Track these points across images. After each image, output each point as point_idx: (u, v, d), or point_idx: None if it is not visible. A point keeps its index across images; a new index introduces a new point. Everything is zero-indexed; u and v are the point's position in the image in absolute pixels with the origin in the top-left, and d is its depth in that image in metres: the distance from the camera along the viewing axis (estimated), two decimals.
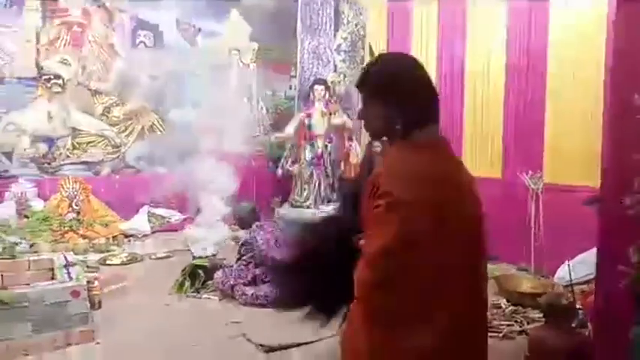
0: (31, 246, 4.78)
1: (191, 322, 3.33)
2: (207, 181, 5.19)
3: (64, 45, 6.25)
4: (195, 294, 3.84)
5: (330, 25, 6.69)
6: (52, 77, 6.08)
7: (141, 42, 6.72)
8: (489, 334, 3.06)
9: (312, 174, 5.99)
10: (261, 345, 2.93)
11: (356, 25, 6.70)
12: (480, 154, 5.09)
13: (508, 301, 3.48)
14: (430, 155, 1.30)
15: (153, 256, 4.96)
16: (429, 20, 5.64)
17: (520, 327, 3.08)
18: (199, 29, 7.01)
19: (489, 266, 4.42)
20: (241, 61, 7.23)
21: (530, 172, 4.30)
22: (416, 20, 5.82)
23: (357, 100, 6.77)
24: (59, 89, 6.13)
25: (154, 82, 6.74)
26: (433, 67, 5.59)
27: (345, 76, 6.72)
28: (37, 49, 6.14)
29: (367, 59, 6.62)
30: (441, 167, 1.30)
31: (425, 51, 5.68)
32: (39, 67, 6.08)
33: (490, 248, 4.57)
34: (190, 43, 7.01)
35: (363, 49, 6.67)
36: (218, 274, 3.87)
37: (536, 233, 4.18)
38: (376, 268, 1.23)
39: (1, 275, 3.35)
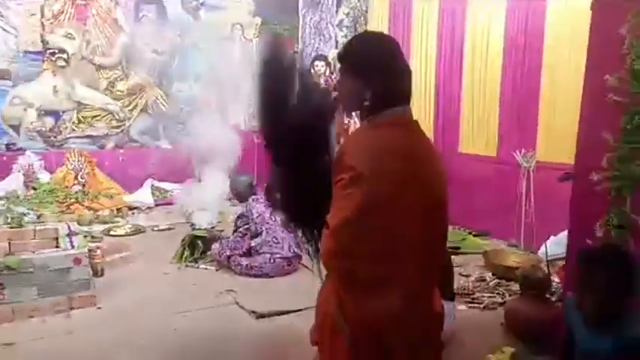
0: (39, 217, 4.99)
1: (188, 290, 3.50)
2: (208, 154, 5.27)
3: (68, 19, 6.30)
4: (193, 264, 4.00)
5: (332, 1, 6.65)
6: (56, 51, 6.16)
7: (144, 16, 6.74)
8: (472, 304, 3.21)
9: None
10: (252, 312, 3.08)
11: (358, 1, 6.65)
12: (477, 132, 5.14)
13: (494, 274, 3.59)
14: (395, 132, 1.35)
15: (155, 228, 5.12)
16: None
17: (502, 299, 3.20)
18: (202, 3, 7.01)
19: (481, 241, 4.52)
20: (244, 36, 7.23)
21: (523, 150, 4.34)
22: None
23: None
24: (64, 63, 6.21)
25: (157, 57, 6.80)
26: (433, 46, 5.59)
27: None
28: (42, 23, 6.21)
29: None
30: (405, 143, 1.35)
31: (425, 30, 5.67)
32: (44, 42, 6.16)
33: (482, 224, 4.68)
34: (193, 17, 7.01)
35: (365, 24, 6.64)
36: (215, 246, 4.02)
37: (527, 210, 4.25)
38: (338, 238, 1.31)
39: (9, 243, 3.55)
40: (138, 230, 5.00)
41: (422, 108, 5.78)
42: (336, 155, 1.40)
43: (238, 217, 4.01)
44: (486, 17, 4.94)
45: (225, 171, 4.86)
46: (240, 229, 3.92)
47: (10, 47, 6.10)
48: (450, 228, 4.88)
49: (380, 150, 1.31)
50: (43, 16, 6.19)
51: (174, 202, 6.02)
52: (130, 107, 6.68)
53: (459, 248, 4.40)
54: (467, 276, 3.69)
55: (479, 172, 4.97)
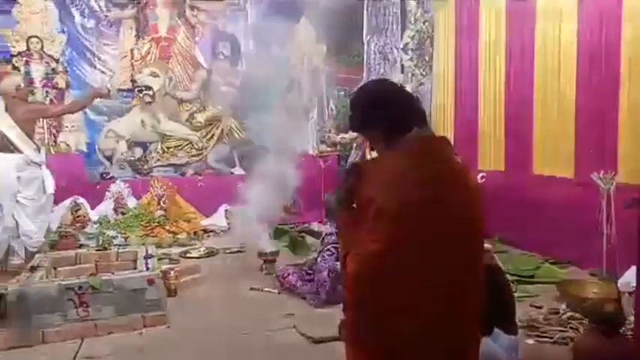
0: (126, 239, 5.47)
1: (251, 312, 3.63)
2: (276, 180, 5.45)
3: (154, 59, 6.96)
4: (258, 287, 4.15)
5: (397, 25, 6.70)
6: (143, 89, 6.81)
7: (220, 52, 7.26)
8: (541, 339, 3.00)
9: None
10: (309, 337, 3.13)
11: (424, 23, 6.64)
12: (552, 152, 4.85)
13: (568, 306, 3.33)
14: (411, 160, 1.39)
15: (227, 251, 5.38)
16: (498, 15, 5.46)
17: (575, 333, 2.95)
18: (272, 36, 7.38)
19: (558, 270, 4.23)
20: (312, 65, 7.48)
21: (602, 171, 4.02)
22: (484, 15, 5.66)
23: (427, 100, 6.73)
24: (150, 99, 6.85)
25: (232, 89, 7.26)
26: (502, 65, 5.42)
27: (412, 75, 6.70)
28: (132, 64, 6.92)
29: (435, 57, 6.55)
30: (421, 171, 1.38)
31: (493, 50, 5.52)
32: (133, 81, 6.84)
33: (560, 251, 4.39)
34: (264, 49, 7.41)
35: (432, 47, 6.60)
36: (279, 268, 4.15)
37: (609, 236, 3.91)
38: (361, 267, 1.38)
39: (96, 264, 3.95)
40: (211, 253, 5.29)
41: (491, 128, 5.60)
42: (362, 187, 1.45)
43: (328, 234, 3.93)
44: (557, 30, 4.70)
45: (283, 195, 5.00)
46: (330, 246, 3.83)
47: (106, 86, 6.84)
48: (524, 255, 4.68)
49: (397, 183, 1.36)
50: (133, 57, 6.90)
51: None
52: (208, 137, 7.17)
53: (532, 277, 4.14)
54: (539, 307, 3.45)
55: (555, 194, 4.67)
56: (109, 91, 4.87)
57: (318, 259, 3.88)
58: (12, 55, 6.19)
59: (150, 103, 6.87)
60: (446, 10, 6.24)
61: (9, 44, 6.20)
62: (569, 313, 3.20)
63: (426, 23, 6.67)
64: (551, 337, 2.96)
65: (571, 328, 3.04)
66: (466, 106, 6.01)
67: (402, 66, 6.76)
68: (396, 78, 6.35)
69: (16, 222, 4.27)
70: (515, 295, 2.99)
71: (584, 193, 4.31)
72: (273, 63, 7.32)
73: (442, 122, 6.39)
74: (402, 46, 6.74)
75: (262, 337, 3.20)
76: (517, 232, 4.94)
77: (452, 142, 5.60)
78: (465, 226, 1.41)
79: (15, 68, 6.04)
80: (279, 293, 4.00)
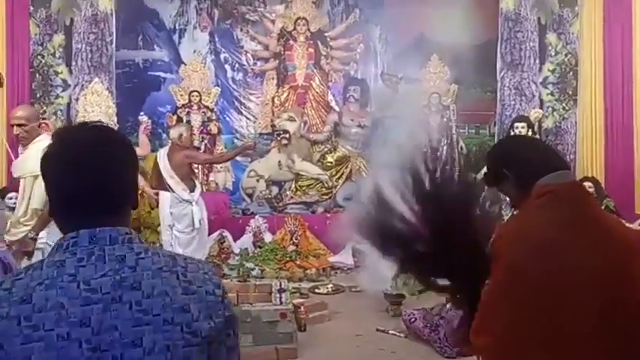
0: (262, 272, 5.90)
1: (376, 355, 3.63)
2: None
3: (291, 105, 7.57)
4: (384, 328, 4.13)
5: (535, 59, 6.36)
6: (281, 132, 7.41)
7: (350, 95, 7.61)
8: None
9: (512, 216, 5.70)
10: None
11: (566, 56, 6.20)
12: None
13: None
14: (541, 217, 1.33)
15: (353, 289, 5.47)
16: None
17: None
18: (401, 77, 7.53)
19: None
20: (441, 104, 7.41)
21: None
22: (639, 43, 5.12)
23: (572, 136, 6.22)
24: (286, 142, 7.41)
25: (361, 130, 7.52)
26: None
27: (553, 110, 6.25)
28: (272, 110, 7.60)
29: (580, 89, 6.05)
30: (556, 232, 1.30)
31: None
32: (273, 125, 7.50)
33: None
34: (393, 90, 7.57)
35: (575, 80, 6.11)
36: (407, 312, 4.11)
37: None
38: (485, 329, 1.39)
39: (237, 294, 4.32)
40: (338, 290, 5.43)
41: None
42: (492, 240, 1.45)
43: None
44: None
45: None
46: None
47: (249, 131, 7.64)
48: None
49: (529, 243, 1.32)
50: (273, 104, 7.59)
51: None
52: (337, 176, 7.47)
53: None
54: None
55: None
56: (255, 145, 5.47)
57: (447, 306, 3.76)
58: (177, 108, 7.26)
59: (286, 145, 7.42)
60: (592, 39, 5.77)
61: (175, 99, 7.30)
62: None
63: (569, 55, 6.22)
64: None
65: None
66: (618, 143, 5.40)
67: (541, 101, 6.35)
68: (535, 114, 5.97)
69: None
70: None
71: None
72: (401, 103, 7.44)
73: (590, 161, 5.81)
74: (541, 80, 6.35)
75: None
76: None
77: (602, 183, 5.09)
78: (610, 281, 1.28)
79: (179, 119, 7.06)
80: (405, 337, 3.94)
